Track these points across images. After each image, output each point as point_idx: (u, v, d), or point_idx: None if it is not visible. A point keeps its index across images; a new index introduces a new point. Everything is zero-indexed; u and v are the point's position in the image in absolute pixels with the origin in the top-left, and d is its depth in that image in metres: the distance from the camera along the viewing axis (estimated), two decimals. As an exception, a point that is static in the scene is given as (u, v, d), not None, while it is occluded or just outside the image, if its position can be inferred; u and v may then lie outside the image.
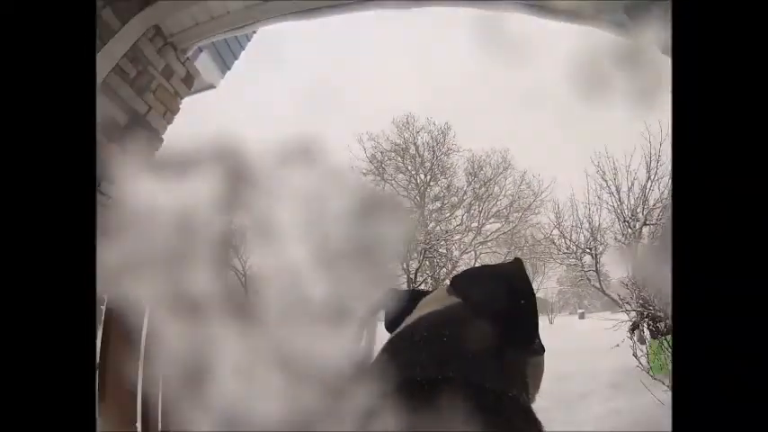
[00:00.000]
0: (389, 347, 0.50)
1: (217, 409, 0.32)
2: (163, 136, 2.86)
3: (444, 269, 13.62)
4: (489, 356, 0.45)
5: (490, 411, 0.39)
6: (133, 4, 2.66)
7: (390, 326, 0.55)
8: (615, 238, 9.75)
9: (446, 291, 0.56)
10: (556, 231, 11.16)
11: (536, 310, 0.52)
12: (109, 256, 0.36)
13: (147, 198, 0.37)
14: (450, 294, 0.54)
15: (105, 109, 2.23)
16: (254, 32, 3.44)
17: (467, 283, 0.55)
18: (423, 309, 0.54)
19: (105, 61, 2.47)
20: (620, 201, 9.53)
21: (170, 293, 0.35)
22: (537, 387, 0.52)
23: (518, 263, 0.55)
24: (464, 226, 14.03)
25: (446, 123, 14.68)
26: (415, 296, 0.58)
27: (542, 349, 0.53)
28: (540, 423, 0.44)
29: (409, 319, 0.53)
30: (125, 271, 0.35)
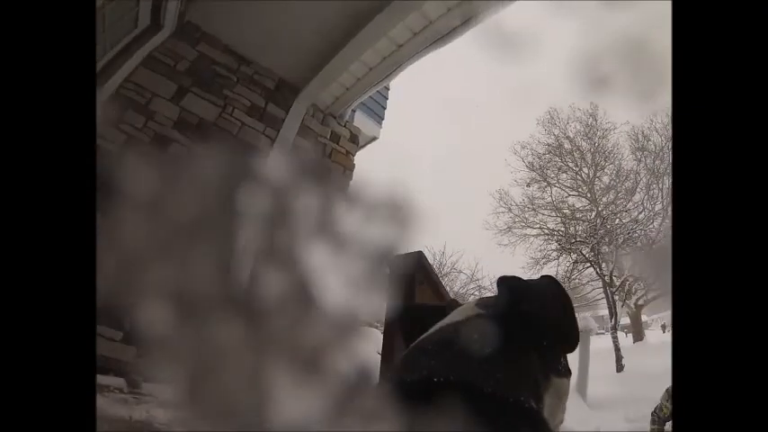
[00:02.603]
0: (405, 355, 0.52)
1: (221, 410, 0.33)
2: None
3: (637, 266, 11.76)
4: (500, 365, 0.46)
5: (492, 415, 0.40)
6: (289, 94, 3.54)
7: (412, 337, 0.57)
8: None
9: (474, 304, 0.58)
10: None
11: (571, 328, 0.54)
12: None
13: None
14: (478, 307, 0.56)
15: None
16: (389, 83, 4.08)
17: (506, 293, 0.56)
18: (448, 319, 0.56)
19: (283, 142, 3.34)
20: None
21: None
22: (559, 409, 0.52)
23: (550, 278, 0.58)
24: (646, 212, 12.04)
25: (592, 104, 12.92)
26: (441, 309, 0.60)
27: (568, 372, 0.54)
28: None
29: (431, 330, 0.55)
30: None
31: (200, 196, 0.37)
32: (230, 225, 0.37)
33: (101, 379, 2.55)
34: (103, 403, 2.42)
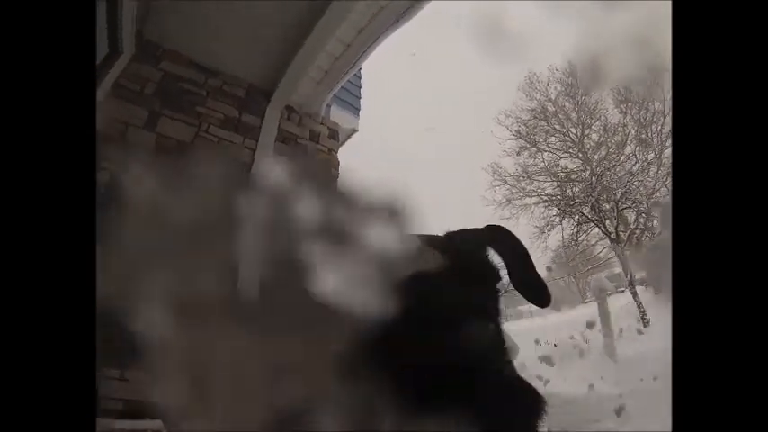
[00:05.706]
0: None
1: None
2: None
3: (642, 218, 11.95)
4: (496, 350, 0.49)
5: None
6: (261, 99, 3.52)
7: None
8: None
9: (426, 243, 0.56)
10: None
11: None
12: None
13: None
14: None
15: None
16: (360, 69, 4.10)
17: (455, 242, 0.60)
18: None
19: (264, 152, 3.28)
20: None
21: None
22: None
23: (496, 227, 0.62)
24: (640, 163, 12.17)
25: (569, 62, 13.20)
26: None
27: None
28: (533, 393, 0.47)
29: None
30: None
31: (201, 201, 0.38)
32: (231, 230, 0.38)
33: (136, 424, 2.54)
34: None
